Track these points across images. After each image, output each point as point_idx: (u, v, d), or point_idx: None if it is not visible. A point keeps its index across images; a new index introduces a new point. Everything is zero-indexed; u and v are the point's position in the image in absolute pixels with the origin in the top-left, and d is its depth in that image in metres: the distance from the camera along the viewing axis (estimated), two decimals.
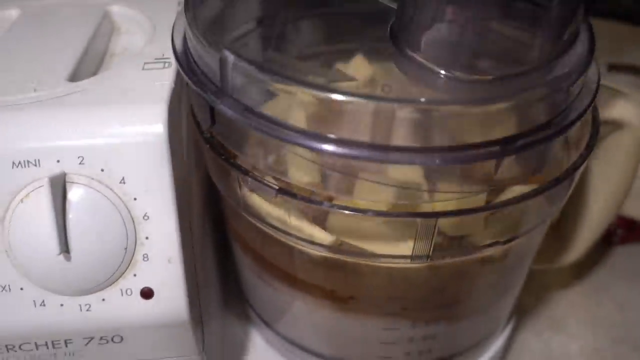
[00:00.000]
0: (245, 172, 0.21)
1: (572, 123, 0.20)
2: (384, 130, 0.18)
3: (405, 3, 0.21)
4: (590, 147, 0.22)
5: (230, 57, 0.19)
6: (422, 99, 0.18)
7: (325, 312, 0.25)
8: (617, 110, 0.26)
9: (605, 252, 0.45)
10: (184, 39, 0.23)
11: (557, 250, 0.34)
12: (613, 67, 0.41)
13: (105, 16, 0.29)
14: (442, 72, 0.21)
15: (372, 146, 0.17)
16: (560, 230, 0.34)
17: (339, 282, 0.24)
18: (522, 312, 0.40)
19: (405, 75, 0.23)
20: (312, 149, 0.18)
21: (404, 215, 0.19)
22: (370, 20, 0.25)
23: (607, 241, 0.45)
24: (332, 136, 0.18)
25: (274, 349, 0.31)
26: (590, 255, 0.44)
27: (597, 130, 0.23)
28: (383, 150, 0.17)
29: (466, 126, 0.18)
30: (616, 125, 0.27)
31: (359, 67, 0.29)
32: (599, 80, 0.22)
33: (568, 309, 0.41)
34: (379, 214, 0.19)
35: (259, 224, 0.23)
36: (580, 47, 0.22)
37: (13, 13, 0.30)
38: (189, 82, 0.21)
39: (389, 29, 0.22)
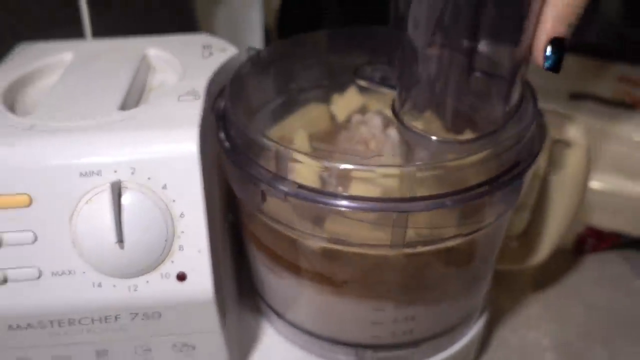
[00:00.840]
0: (260, 180, 0.27)
1: (528, 166, 0.27)
2: None
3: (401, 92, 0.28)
4: (532, 157, 0.28)
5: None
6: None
7: (324, 297, 0.31)
8: (566, 131, 0.32)
9: (577, 260, 0.50)
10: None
11: (525, 253, 0.39)
12: (574, 96, 0.47)
13: (144, 58, 0.36)
14: (433, 137, 0.27)
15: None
16: (527, 236, 0.39)
17: (335, 270, 0.29)
18: (500, 312, 0.45)
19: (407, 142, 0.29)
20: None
21: (383, 209, 0.25)
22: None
23: (579, 250, 0.51)
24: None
25: (282, 336, 0.36)
26: (563, 262, 0.50)
27: (541, 145, 0.29)
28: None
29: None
30: (566, 144, 0.33)
31: (352, 97, 0.36)
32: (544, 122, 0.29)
33: (541, 309, 0.46)
34: (364, 208, 0.25)
35: (271, 223, 0.29)
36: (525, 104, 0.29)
37: (68, 56, 0.36)
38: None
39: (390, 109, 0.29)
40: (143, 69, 0.35)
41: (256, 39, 0.57)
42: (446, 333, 0.34)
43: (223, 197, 0.33)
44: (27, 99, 0.33)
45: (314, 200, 0.25)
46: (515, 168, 0.27)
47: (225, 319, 0.31)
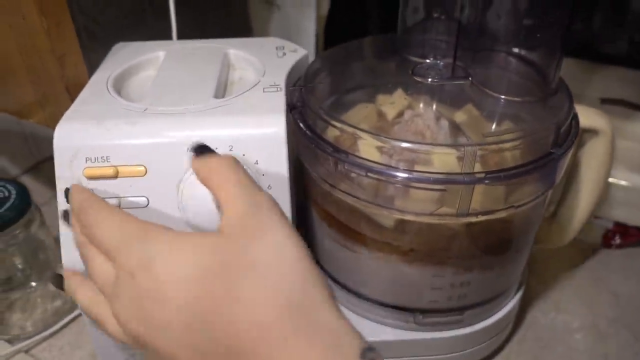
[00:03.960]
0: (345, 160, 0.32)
1: (565, 152, 0.32)
2: None
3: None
4: (568, 145, 0.33)
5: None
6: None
7: (392, 265, 0.35)
8: (594, 121, 0.37)
9: (605, 254, 0.54)
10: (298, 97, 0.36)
11: (557, 233, 0.43)
12: (605, 101, 0.51)
13: (225, 56, 0.41)
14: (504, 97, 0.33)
15: None
16: (557, 217, 0.43)
17: (404, 239, 0.34)
18: (533, 296, 0.49)
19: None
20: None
21: (452, 182, 0.30)
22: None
23: (607, 244, 0.54)
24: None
25: (345, 308, 0.41)
26: (592, 256, 0.53)
27: (576, 134, 0.34)
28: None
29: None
30: (594, 132, 0.38)
31: (399, 97, 0.40)
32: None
33: (571, 295, 0.50)
34: (440, 181, 0.30)
35: (350, 200, 0.34)
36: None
37: (161, 54, 0.42)
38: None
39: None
40: (225, 66, 0.41)
41: (308, 44, 0.63)
42: (489, 301, 0.38)
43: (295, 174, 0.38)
44: (131, 88, 0.39)
45: (394, 176, 0.30)
46: (554, 152, 0.32)
47: None
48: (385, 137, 0.31)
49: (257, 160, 0.32)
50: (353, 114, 0.39)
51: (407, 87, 0.38)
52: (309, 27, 0.62)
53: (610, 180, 0.50)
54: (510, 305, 0.41)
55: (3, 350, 0.44)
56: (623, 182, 0.50)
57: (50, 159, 0.33)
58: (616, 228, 0.53)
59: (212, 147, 0.32)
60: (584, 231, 0.54)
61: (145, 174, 0.32)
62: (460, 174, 0.30)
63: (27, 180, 0.62)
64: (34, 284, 0.49)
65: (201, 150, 0.28)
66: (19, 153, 0.62)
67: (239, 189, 0.25)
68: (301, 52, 0.41)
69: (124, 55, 0.41)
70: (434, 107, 0.38)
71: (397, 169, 0.31)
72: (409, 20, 0.40)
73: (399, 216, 0.33)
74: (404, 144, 0.31)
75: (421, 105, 0.39)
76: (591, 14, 0.57)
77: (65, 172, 0.32)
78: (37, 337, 0.45)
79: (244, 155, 0.32)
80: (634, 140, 0.48)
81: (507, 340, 0.45)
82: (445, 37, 0.38)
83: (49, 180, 0.33)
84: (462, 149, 0.30)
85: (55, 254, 0.49)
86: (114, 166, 0.32)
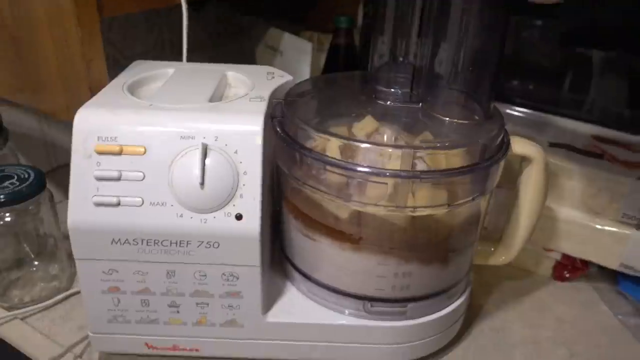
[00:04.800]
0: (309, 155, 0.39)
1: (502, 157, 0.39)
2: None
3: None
4: (496, 159, 0.40)
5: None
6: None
7: (344, 253, 0.41)
8: (527, 149, 0.44)
9: (554, 285, 0.59)
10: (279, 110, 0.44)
11: (502, 251, 0.49)
12: (552, 144, 0.58)
13: (224, 76, 0.49)
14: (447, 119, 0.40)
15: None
16: (504, 238, 0.49)
17: (355, 229, 0.40)
18: (482, 314, 0.54)
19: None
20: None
21: (393, 175, 0.37)
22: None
23: (557, 276, 0.60)
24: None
25: (302, 292, 0.46)
26: (541, 286, 0.58)
27: (505, 151, 0.41)
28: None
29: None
30: (528, 161, 0.44)
31: (368, 122, 0.48)
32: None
33: (518, 318, 0.55)
34: (384, 174, 0.37)
35: (311, 191, 0.40)
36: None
37: (170, 70, 0.50)
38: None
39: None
40: (223, 83, 0.49)
41: None
42: (431, 297, 0.44)
43: (269, 180, 0.45)
44: (142, 93, 0.47)
45: (346, 168, 0.37)
46: (481, 163, 0.39)
47: (262, 258, 0.41)
48: (345, 138, 0.39)
49: (236, 150, 0.40)
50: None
51: (371, 109, 0.46)
52: (305, 69, 0.71)
53: (558, 215, 0.56)
54: (453, 306, 0.46)
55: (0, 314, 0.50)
56: (569, 217, 0.56)
57: (65, 166, 0.40)
58: (564, 260, 0.59)
59: (201, 137, 0.39)
60: (536, 264, 0.60)
61: (144, 153, 0.39)
62: (401, 170, 0.37)
63: None
64: (36, 263, 0.55)
65: None
66: (38, 158, 0.70)
67: None
68: (287, 77, 0.50)
69: (140, 69, 0.50)
70: (395, 131, 0.45)
71: (349, 162, 0.38)
72: (377, 63, 0.48)
73: (354, 207, 0.39)
74: (361, 144, 0.38)
75: (386, 130, 0.46)
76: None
77: (80, 147, 0.39)
78: (33, 307, 0.51)
79: (226, 145, 0.39)
80: (577, 180, 0.55)
81: (452, 344, 0.49)
82: (405, 74, 0.46)
83: (64, 184, 0.40)
84: (402, 150, 0.37)
85: (62, 247, 0.55)
86: (120, 145, 0.39)
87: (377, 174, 0.37)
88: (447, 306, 0.46)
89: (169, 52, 0.82)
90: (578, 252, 0.57)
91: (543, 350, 0.50)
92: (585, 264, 0.58)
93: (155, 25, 0.77)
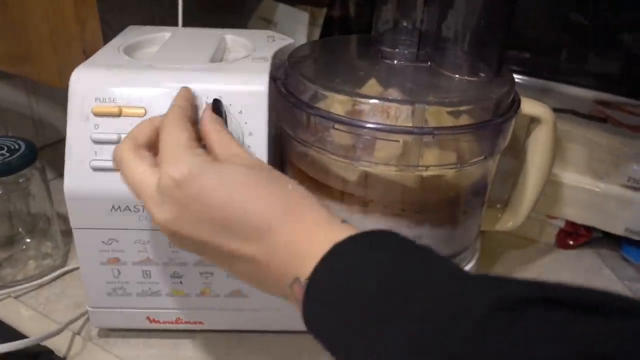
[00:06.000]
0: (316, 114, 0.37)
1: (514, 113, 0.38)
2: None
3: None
4: (508, 117, 0.38)
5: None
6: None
7: (353, 217, 0.40)
8: (536, 109, 0.43)
9: (558, 252, 0.59)
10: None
11: (510, 216, 0.48)
12: (557, 110, 0.57)
13: (222, 39, 0.48)
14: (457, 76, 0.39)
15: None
16: (511, 202, 0.48)
17: (364, 191, 0.39)
18: None
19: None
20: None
21: (405, 132, 0.35)
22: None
23: (561, 244, 0.59)
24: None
25: None
26: (545, 254, 0.58)
27: (517, 109, 0.40)
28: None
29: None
30: (537, 122, 0.44)
31: (372, 86, 0.46)
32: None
33: None
34: (394, 131, 0.35)
35: (317, 153, 0.39)
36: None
37: (167, 34, 0.48)
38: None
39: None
40: (222, 46, 0.47)
41: None
42: None
43: (273, 146, 0.44)
44: (140, 56, 0.44)
45: (356, 126, 0.36)
46: (493, 120, 0.38)
47: None
48: (354, 93, 0.37)
49: (241, 110, 0.38)
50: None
51: (377, 70, 0.44)
52: (301, 41, 0.69)
53: (561, 180, 0.55)
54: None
55: None
56: (573, 183, 0.55)
57: (55, 144, 0.38)
58: (568, 227, 0.58)
59: (204, 97, 0.38)
60: (539, 232, 0.60)
61: (144, 114, 0.37)
62: (412, 127, 0.36)
63: None
64: (28, 240, 0.53)
65: (217, 103, 0.36)
66: (28, 135, 0.67)
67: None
68: (289, 40, 0.48)
69: (136, 33, 0.48)
70: (402, 93, 0.44)
71: (359, 120, 0.36)
72: (380, 29, 0.46)
73: (363, 168, 0.38)
74: (371, 100, 0.37)
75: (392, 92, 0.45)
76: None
77: (77, 109, 0.37)
78: (26, 285, 0.49)
79: (230, 104, 0.38)
80: (582, 144, 0.54)
81: None
82: (411, 37, 0.45)
83: (53, 163, 0.38)
84: (415, 106, 0.36)
85: (55, 224, 0.53)
86: (119, 106, 0.37)
87: (389, 131, 0.36)
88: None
89: (159, 23, 0.79)
90: (582, 218, 0.57)
91: None
92: (589, 230, 0.58)
93: (145, 0, 0.75)
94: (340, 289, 0.25)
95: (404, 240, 0.27)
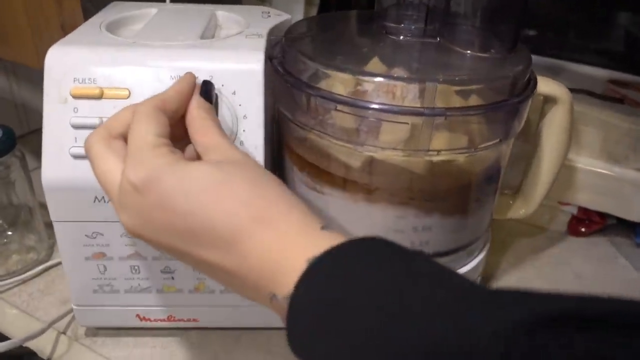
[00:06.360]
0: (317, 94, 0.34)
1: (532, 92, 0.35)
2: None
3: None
4: (525, 96, 0.35)
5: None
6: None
7: (357, 205, 0.37)
8: (552, 88, 0.39)
9: (570, 240, 0.56)
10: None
11: (522, 203, 0.46)
12: (570, 90, 0.54)
13: (213, 16, 0.44)
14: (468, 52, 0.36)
15: None
16: (523, 188, 0.46)
17: (370, 178, 0.36)
18: (499, 272, 0.51)
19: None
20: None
21: (414, 113, 0.32)
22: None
23: (573, 231, 0.56)
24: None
25: None
26: (557, 242, 0.55)
27: (534, 88, 0.36)
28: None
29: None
30: (553, 102, 0.40)
31: (375, 65, 0.43)
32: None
33: (536, 274, 0.51)
34: (403, 112, 0.32)
35: (318, 137, 0.36)
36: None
37: (153, 10, 0.44)
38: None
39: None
40: (212, 23, 0.43)
41: None
42: (451, 254, 0.40)
43: (270, 131, 0.40)
44: (123, 34, 0.41)
45: (361, 107, 0.32)
46: (510, 99, 0.34)
47: None
48: (359, 72, 0.34)
49: (234, 91, 0.35)
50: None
51: (382, 47, 0.41)
52: (298, 18, 0.65)
53: (575, 165, 0.53)
54: (472, 264, 0.42)
55: None
56: (587, 167, 0.52)
57: (39, 130, 0.35)
58: (580, 214, 0.55)
59: (196, 74, 0.34)
60: (550, 219, 0.57)
61: (128, 96, 0.34)
62: (422, 107, 0.33)
63: None
64: (9, 233, 0.50)
65: (206, 86, 0.32)
66: (9, 122, 0.64)
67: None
68: (285, 16, 0.44)
69: (119, 9, 0.44)
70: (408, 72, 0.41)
71: (364, 100, 0.33)
72: (384, 4, 0.43)
73: (368, 153, 0.35)
74: (376, 79, 0.33)
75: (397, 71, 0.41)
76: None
77: (53, 91, 0.34)
78: (9, 281, 0.46)
79: (222, 85, 0.34)
80: (597, 127, 0.51)
81: None
82: (418, 12, 0.41)
83: (37, 151, 0.34)
84: (427, 84, 0.33)
85: (38, 216, 0.50)
86: (100, 87, 0.34)
87: (397, 112, 0.33)
88: (467, 264, 0.42)
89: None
90: (596, 204, 0.54)
91: None
92: (603, 217, 0.55)
93: None
94: (326, 318, 0.21)
95: (392, 250, 0.23)
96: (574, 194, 0.54)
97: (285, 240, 0.24)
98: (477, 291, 0.20)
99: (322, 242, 0.24)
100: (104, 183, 0.28)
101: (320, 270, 0.22)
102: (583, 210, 0.55)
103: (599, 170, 0.52)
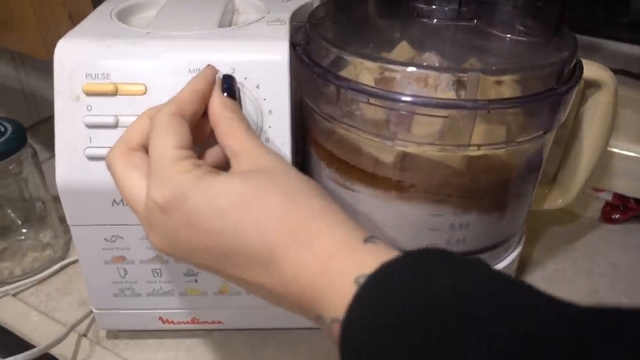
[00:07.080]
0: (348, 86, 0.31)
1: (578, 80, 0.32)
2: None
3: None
4: (572, 83, 0.33)
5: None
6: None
7: (390, 203, 0.35)
8: (596, 72, 0.37)
9: (604, 228, 0.54)
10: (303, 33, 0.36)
11: (559, 192, 0.43)
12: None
13: (230, 0, 0.41)
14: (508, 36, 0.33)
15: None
16: (560, 177, 0.43)
17: (404, 175, 0.34)
18: (532, 264, 0.49)
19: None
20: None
21: (455, 106, 0.30)
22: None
23: (607, 218, 0.54)
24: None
25: None
26: (591, 229, 0.53)
27: (580, 75, 0.34)
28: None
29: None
30: (596, 87, 0.38)
31: (403, 50, 0.40)
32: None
33: (571, 265, 0.49)
34: (442, 105, 0.29)
35: (347, 131, 0.33)
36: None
37: None
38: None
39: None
40: (229, 8, 0.41)
41: None
42: (487, 251, 0.38)
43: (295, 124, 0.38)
44: (135, 22, 0.38)
45: (395, 100, 0.30)
46: (557, 88, 0.32)
47: None
48: (390, 60, 0.31)
49: (258, 85, 0.32)
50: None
51: (413, 30, 0.38)
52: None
53: (611, 149, 0.50)
54: (509, 259, 0.40)
55: None
56: (624, 152, 0.50)
57: (49, 119, 0.32)
58: (615, 200, 0.53)
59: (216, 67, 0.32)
60: (583, 206, 0.54)
61: (144, 93, 0.32)
62: (463, 100, 0.30)
63: None
64: (24, 230, 0.48)
65: (228, 81, 0.30)
66: (18, 112, 0.62)
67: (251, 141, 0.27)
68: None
69: None
70: (440, 58, 0.38)
71: (399, 93, 0.30)
72: None
73: (400, 148, 0.32)
74: (409, 68, 0.31)
75: (430, 56, 0.38)
76: None
77: (65, 88, 0.32)
78: (26, 281, 0.45)
79: (245, 78, 0.32)
80: (634, 109, 0.48)
81: None
82: None
83: (48, 141, 0.32)
84: (466, 75, 0.30)
85: (53, 211, 0.48)
86: (114, 83, 0.31)
87: (435, 106, 0.30)
88: (503, 259, 0.40)
89: None
90: (633, 190, 0.51)
91: (603, 300, 0.45)
92: (639, 203, 0.52)
93: None
94: (386, 343, 0.19)
95: (443, 261, 0.21)
96: (609, 180, 0.51)
97: (325, 258, 0.22)
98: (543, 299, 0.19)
99: (367, 259, 0.22)
100: (129, 202, 0.26)
101: (372, 291, 0.21)
102: (618, 196, 0.53)
103: (637, 155, 0.49)
